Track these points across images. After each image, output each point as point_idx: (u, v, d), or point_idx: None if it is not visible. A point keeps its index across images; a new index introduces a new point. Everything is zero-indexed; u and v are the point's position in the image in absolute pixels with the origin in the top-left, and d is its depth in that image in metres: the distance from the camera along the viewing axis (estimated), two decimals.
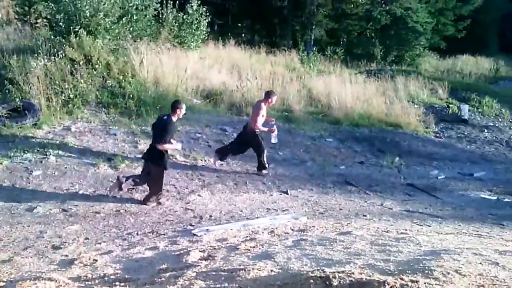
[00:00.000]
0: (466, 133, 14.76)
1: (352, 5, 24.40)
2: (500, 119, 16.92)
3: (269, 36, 28.67)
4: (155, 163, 6.86)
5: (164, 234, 5.45)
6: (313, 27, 25.25)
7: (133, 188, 7.25)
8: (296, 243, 4.56)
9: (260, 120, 8.51)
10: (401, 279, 2.85)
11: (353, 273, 3.05)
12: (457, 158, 12.42)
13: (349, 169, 10.42)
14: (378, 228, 5.83)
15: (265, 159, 8.83)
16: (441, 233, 5.69)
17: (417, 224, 6.59)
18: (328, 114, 13.83)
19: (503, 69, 26.32)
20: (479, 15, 30.95)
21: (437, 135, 14.25)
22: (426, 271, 3.15)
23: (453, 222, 7.00)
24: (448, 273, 3.12)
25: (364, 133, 13.04)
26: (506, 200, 9.37)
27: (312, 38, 25.39)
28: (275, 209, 7.03)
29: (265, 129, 8.71)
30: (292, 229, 5.56)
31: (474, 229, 6.62)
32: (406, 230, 5.81)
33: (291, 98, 13.86)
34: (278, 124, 9.55)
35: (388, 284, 2.75)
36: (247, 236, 5.14)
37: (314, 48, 22.34)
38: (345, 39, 27.42)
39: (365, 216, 6.97)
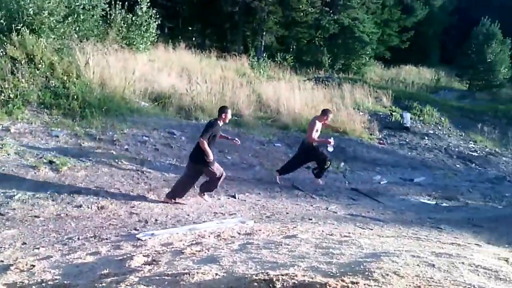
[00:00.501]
0: (407, 140, 15.37)
1: (302, 14, 24.86)
2: (439, 127, 17.76)
3: (220, 40, 28.68)
4: (202, 162, 7.14)
5: (106, 239, 5.30)
6: (264, 33, 25.53)
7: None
8: (242, 247, 4.56)
9: (315, 134, 9.42)
10: (342, 280, 2.92)
11: (296, 276, 3.09)
12: (399, 164, 12.90)
13: (295, 173, 10.56)
14: (322, 231, 5.94)
15: (324, 170, 9.72)
16: (382, 236, 5.88)
17: (360, 227, 6.78)
18: (277, 120, 14.00)
19: (443, 80, 27.70)
20: (422, 27, 32.38)
21: (381, 141, 14.75)
22: (366, 273, 3.25)
23: (393, 226, 7.26)
24: (387, 274, 3.22)
25: None
26: (444, 204, 9.83)
27: (263, 44, 25.64)
28: (222, 213, 7.01)
29: (322, 140, 9.77)
30: (239, 233, 5.56)
31: (414, 232, 6.90)
32: (349, 233, 5.97)
33: (240, 103, 13.92)
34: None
35: (330, 286, 2.81)
36: (193, 240, 5.09)
37: (265, 54, 22.59)
38: (294, 47, 27.89)
39: (311, 219, 7.08)
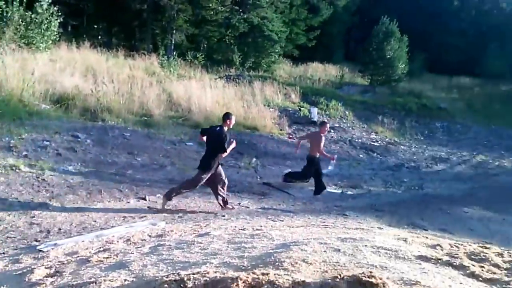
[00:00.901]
0: None
1: (212, 12, 24.78)
2: (344, 121, 18.68)
3: (128, 39, 27.73)
4: (206, 169, 7.38)
5: (3, 253, 4.89)
6: (174, 31, 25.09)
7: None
8: (153, 249, 4.45)
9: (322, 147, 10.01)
10: (253, 273, 2.95)
11: (207, 273, 3.07)
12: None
13: None
14: (235, 227, 5.99)
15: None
16: (293, 227, 6.05)
17: (272, 220, 6.93)
18: (189, 118, 13.86)
19: (347, 76, 29.09)
20: (327, 27, 33.78)
21: (290, 136, 15.19)
22: (277, 263, 3.32)
23: (303, 216, 7.52)
24: (296, 262, 3.32)
25: None
26: (349, 192, 10.37)
27: (173, 42, 25.20)
28: (132, 217, 6.79)
29: (328, 155, 10.41)
30: (150, 236, 5.43)
31: (322, 221, 7.19)
32: (261, 226, 6.07)
33: (150, 102, 13.59)
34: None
35: (241, 280, 2.83)
36: (100, 247, 4.87)
37: (175, 53, 22.25)
38: (205, 45, 27.75)
39: (224, 216, 7.11)
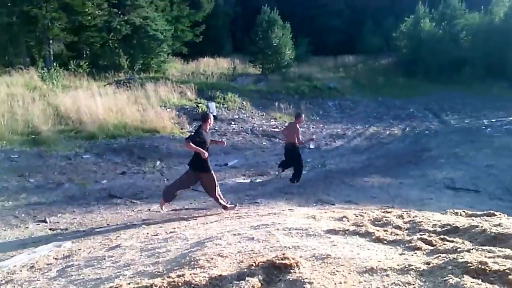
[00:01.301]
0: (216, 128, 16.00)
1: (90, 17, 23.53)
2: (243, 111, 18.92)
3: (1, 55, 25.50)
4: (202, 170, 7.30)
5: None
6: (50, 41, 23.48)
7: None
8: (61, 272, 4.16)
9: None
10: (169, 277, 2.87)
11: (121, 286, 2.94)
12: (212, 152, 13.18)
13: (112, 182, 10.10)
14: (147, 233, 5.80)
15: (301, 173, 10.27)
16: (206, 223, 6.01)
17: (185, 219, 6.82)
18: (81, 130, 13.14)
19: (239, 67, 29.50)
20: (211, 21, 33.83)
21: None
22: (192, 262, 3.26)
23: (216, 210, 7.50)
24: (212, 258, 3.28)
25: (122, 144, 12.84)
26: (257, 180, 10.52)
27: (51, 53, 23.59)
28: (34, 242, 6.28)
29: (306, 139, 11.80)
30: (56, 258, 5.06)
31: (235, 212, 7.23)
32: (174, 228, 5.95)
33: (36, 119, 12.66)
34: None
35: (156, 286, 2.74)
36: (2, 280, 4.44)
37: (55, 64, 20.87)
38: (88, 52, 26.42)
39: (135, 225, 6.85)
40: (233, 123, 17.02)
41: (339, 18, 39.51)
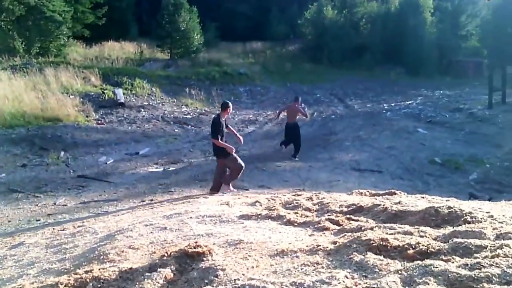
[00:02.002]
0: (125, 116, 15.45)
1: None
2: (153, 98, 18.44)
3: None
4: (222, 155, 7.48)
5: None
6: None
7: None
8: None
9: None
10: (75, 273, 2.74)
11: (23, 286, 2.76)
12: (122, 141, 12.88)
13: (11, 175, 9.39)
14: (53, 229, 5.49)
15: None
16: (117, 215, 5.81)
17: (94, 213, 6.55)
18: None
19: (146, 52, 28.64)
20: (114, 2, 32.22)
21: (99, 122, 14.40)
22: (102, 257, 3.14)
23: (128, 202, 7.28)
24: (122, 251, 3.18)
25: (21, 134, 11.95)
26: (171, 169, 10.36)
27: None
28: None
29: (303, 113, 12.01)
30: None
31: (148, 202, 7.08)
32: (83, 222, 5.69)
33: None
34: None
35: (62, 284, 2.60)
36: None
37: None
38: None
39: (39, 220, 6.45)
40: (142, 110, 16.53)
41: (246, 4, 39.72)
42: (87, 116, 14.47)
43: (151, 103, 17.61)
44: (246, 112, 19.16)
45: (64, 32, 24.43)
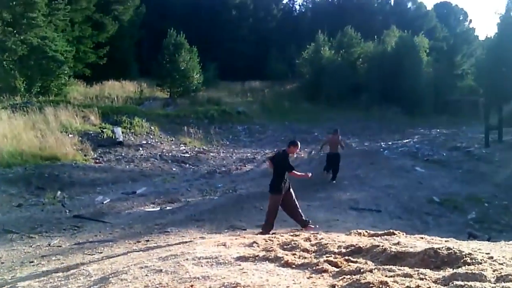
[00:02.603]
0: (123, 154, 15.46)
1: None
2: (151, 136, 18.52)
3: None
4: (273, 192, 7.59)
5: None
6: None
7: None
8: None
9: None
10: None
11: None
12: (119, 180, 12.84)
13: (6, 215, 9.30)
14: (47, 271, 5.38)
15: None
16: (112, 257, 5.71)
17: (89, 254, 6.43)
18: None
19: (146, 90, 29.00)
20: (116, 42, 32.88)
21: (97, 160, 14.40)
22: None
23: (123, 242, 7.16)
24: None
25: (19, 173, 11.92)
26: (167, 208, 10.27)
27: None
28: None
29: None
30: None
31: (143, 243, 6.97)
32: (77, 264, 5.58)
33: None
34: None
35: None
36: None
37: None
38: None
39: (32, 262, 6.32)
40: (141, 148, 16.56)
41: (245, 43, 40.56)
42: (85, 155, 14.48)
43: (149, 142, 17.67)
44: (244, 151, 19.19)
45: (66, 72, 24.79)
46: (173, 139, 19.19)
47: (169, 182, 13.24)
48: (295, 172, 7.69)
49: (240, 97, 31.53)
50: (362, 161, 16.35)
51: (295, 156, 12.71)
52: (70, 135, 15.52)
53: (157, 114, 21.57)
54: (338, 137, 13.31)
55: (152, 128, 19.22)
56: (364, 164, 15.70)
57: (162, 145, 17.79)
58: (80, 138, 15.61)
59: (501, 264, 3.29)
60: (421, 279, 2.91)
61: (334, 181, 12.95)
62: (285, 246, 4.62)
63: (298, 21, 46.11)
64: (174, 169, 15.03)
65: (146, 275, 3.64)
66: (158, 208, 10.23)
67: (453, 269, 3.14)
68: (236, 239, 5.66)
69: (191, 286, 2.81)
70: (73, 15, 27.80)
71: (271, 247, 4.49)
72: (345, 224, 8.66)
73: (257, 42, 41.46)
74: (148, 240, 7.21)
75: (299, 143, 8.03)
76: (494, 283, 2.70)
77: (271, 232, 7.19)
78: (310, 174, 7.97)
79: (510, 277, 2.81)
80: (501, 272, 2.94)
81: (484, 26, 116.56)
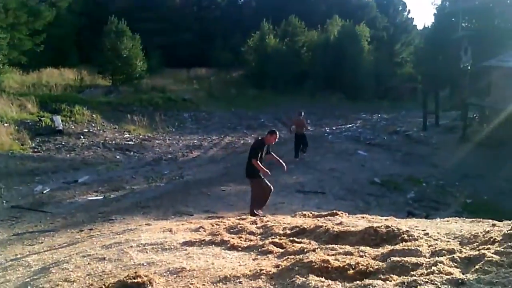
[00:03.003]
0: (63, 143, 14.89)
1: None
2: (93, 124, 17.93)
3: None
4: (250, 177, 7.70)
5: None
6: None
7: None
8: None
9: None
10: None
11: None
12: (59, 169, 12.35)
13: None
14: None
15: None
16: (54, 247, 5.52)
17: (29, 245, 6.20)
18: None
19: (87, 78, 27.90)
20: (54, 29, 31.30)
21: (35, 150, 13.79)
22: None
23: (66, 232, 6.96)
24: (57, 285, 3.02)
25: None
26: (112, 196, 10.03)
27: None
28: None
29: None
30: None
31: (87, 231, 6.78)
32: (16, 255, 5.37)
33: None
34: None
35: None
36: None
37: None
38: None
39: None
40: (82, 137, 16.00)
41: (190, 32, 39.97)
42: (22, 145, 13.83)
43: (91, 130, 17.11)
44: (190, 138, 19.02)
45: (0, 59, 23.38)
46: (117, 127, 18.69)
47: (113, 170, 12.91)
48: (257, 162, 7.57)
49: (186, 85, 31.09)
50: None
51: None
52: (5, 125, 14.73)
53: (99, 102, 20.87)
54: (302, 119, 14.27)
55: (94, 116, 18.61)
56: (310, 148, 16.02)
57: (104, 133, 17.29)
58: (16, 127, 14.86)
59: (436, 239, 3.47)
60: (361, 256, 3.02)
61: (305, 154, 14.20)
62: (231, 230, 4.65)
63: (242, 10, 45.90)
64: (118, 157, 14.65)
65: (88, 263, 3.56)
66: (102, 197, 9.98)
67: (391, 246, 3.27)
68: (182, 224, 5.63)
69: (135, 272, 2.77)
70: (6, 1, 26.19)
71: (218, 231, 4.50)
72: (291, 207, 8.83)
73: (201, 30, 40.88)
74: (91, 229, 7.03)
75: (277, 133, 7.92)
76: (429, 258, 2.84)
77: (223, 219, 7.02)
78: (269, 173, 7.73)
79: (443, 251, 2.97)
80: (435, 247, 3.09)
81: (422, 16, 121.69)
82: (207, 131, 20.88)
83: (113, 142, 16.24)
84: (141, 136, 18.03)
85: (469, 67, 20.51)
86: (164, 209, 8.61)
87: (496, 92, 18.14)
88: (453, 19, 30.06)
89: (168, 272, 2.96)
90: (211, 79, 33.85)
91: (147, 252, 3.72)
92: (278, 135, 7.94)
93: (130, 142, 16.60)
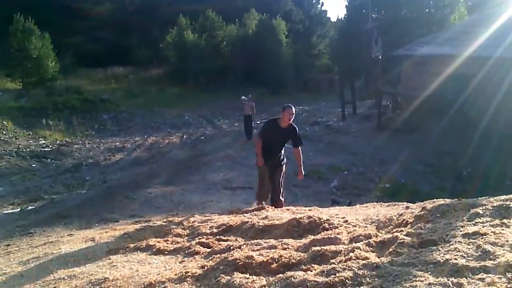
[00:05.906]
0: None
1: None
2: (4, 131, 16.79)
3: None
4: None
5: None
6: None
7: None
8: None
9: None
10: None
11: None
12: None
13: None
14: None
15: None
16: None
17: None
18: None
19: None
20: None
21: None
22: None
23: None
24: None
25: None
26: (29, 208, 9.46)
27: None
28: None
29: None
30: None
31: (4, 249, 6.35)
32: None
33: None
34: None
35: None
36: None
37: None
38: None
39: None
40: None
41: (104, 29, 38.47)
42: None
43: (2, 138, 16.01)
44: (112, 140, 18.41)
45: None
46: (31, 133, 17.65)
47: (29, 179, 12.19)
48: (258, 143, 6.66)
49: (103, 84, 30.02)
50: (233, 142, 16.78)
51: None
52: None
53: (9, 108, 19.57)
54: (251, 103, 16.95)
55: (5, 123, 17.43)
56: (235, 144, 16.15)
57: (17, 141, 16.26)
58: None
59: (354, 226, 3.64)
60: (284, 249, 3.09)
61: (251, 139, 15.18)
62: (157, 234, 4.58)
63: (158, 4, 44.95)
64: (34, 165, 13.84)
65: (4, 283, 3.35)
66: (18, 209, 9.37)
67: (313, 236, 3.39)
68: (106, 232, 5.44)
69: None
70: None
71: (143, 237, 4.42)
72: (219, 204, 8.85)
73: (116, 26, 39.48)
74: (8, 245, 6.57)
75: (292, 108, 6.50)
76: (347, 244, 2.97)
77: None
78: (262, 162, 6.73)
79: (361, 237, 3.11)
80: (354, 234, 3.24)
81: (335, 8, 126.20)
82: (129, 132, 20.33)
83: (28, 149, 15.32)
84: (58, 142, 17.17)
85: (380, 57, 21.56)
86: (87, 218, 8.25)
87: (407, 80, 19.30)
88: (363, 11, 31.54)
89: (90, 284, 2.86)
90: (130, 78, 32.95)
91: (68, 265, 3.56)
92: (294, 110, 6.51)
93: (46, 149, 15.75)
